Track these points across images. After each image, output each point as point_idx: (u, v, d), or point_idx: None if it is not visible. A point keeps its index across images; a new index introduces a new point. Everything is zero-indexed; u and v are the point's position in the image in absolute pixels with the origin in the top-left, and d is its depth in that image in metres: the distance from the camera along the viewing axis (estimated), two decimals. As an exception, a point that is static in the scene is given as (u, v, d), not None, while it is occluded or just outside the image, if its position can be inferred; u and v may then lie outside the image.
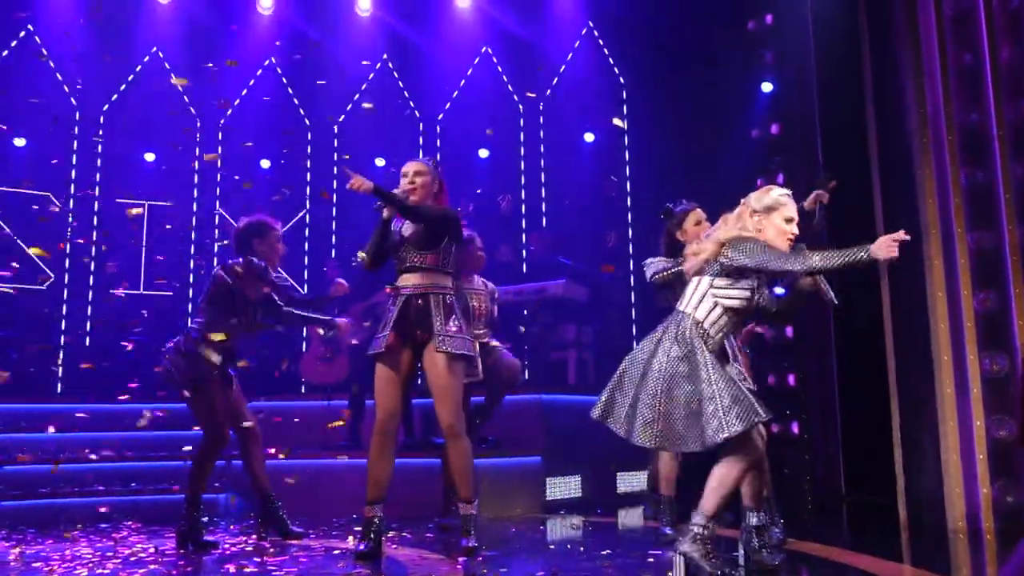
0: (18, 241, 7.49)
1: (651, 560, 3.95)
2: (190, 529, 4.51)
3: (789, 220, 3.39)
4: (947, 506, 4.89)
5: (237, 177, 7.97)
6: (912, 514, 5.08)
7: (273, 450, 5.51)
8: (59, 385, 7.73)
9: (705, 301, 3.36)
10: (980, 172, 5.10)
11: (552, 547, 4.64)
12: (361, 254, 4.26)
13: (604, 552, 4.19)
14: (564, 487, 6.38)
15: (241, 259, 4.70)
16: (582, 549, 4.46)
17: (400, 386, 4.11)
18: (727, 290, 3.35)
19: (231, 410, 4.69)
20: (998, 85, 5.10)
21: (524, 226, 8.60)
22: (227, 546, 4.59)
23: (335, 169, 8.82)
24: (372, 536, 4.03)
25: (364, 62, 8.49)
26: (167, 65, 8.35)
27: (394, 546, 4.51)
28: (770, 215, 3.39)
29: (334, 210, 8.87)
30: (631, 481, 6.83)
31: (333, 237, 8.83)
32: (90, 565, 3.98)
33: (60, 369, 7.74)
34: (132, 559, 4.16)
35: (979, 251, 5.07)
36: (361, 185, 3.90)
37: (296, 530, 4.79)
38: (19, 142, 8.00)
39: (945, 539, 4.68)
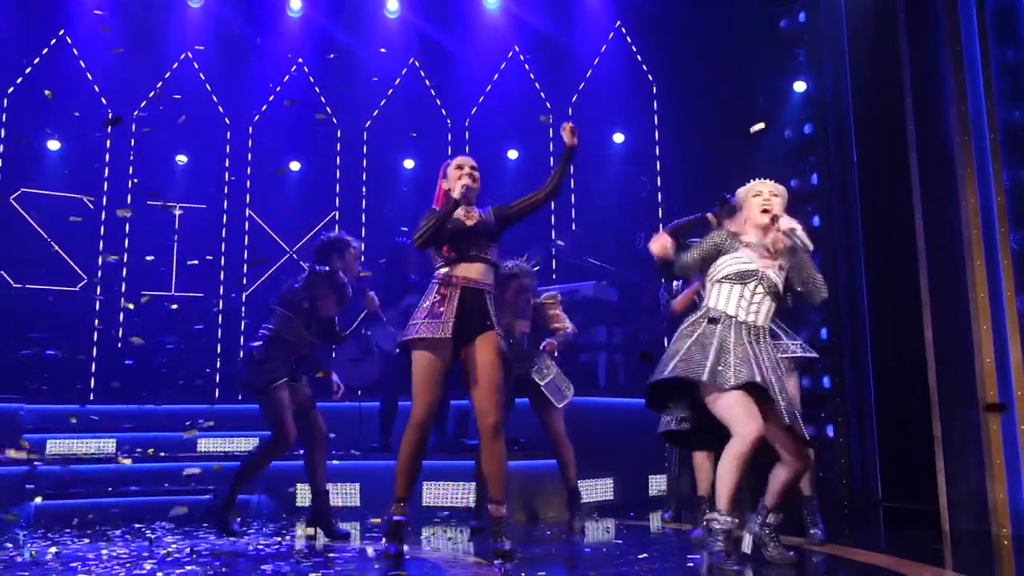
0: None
1: (690, 565, 3.90)
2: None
3: (756, 195, 3.84)
4: (990, 511, 4.79)
5: (280, 169, 8.02)
6: (954, 519, 4.97)
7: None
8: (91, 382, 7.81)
9: None
10: (1023, 171, 5.00)
11: (588, 550, 4.59)
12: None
13: (641, 556, 4.14)
14: (596, 490, 6.34)
15: (328, 268, 4.85)
16: (618, 552, 4.41)
17: (444, 379, 4.04)
18: None
19: (302, 413, 4.83)
20: (1042, 81, 5.00)
21: (554, 225, 8.57)
22: (261, 546, 4.59)
23: (364, 176, 8.85)
24: (398, 536, 4.01)
25: (391, 67, 8.50)
26: (196, 65, 8.41)
27: (428, 548, 4.49)
28: (745, 200, 3.89)
29: (363, 216, 8.88)
30: (664, 483, 6.77)
31: (362, 242, 8.83)
32: (127, 565, 3.99)
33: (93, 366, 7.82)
34: (168, 559, 4.16)
35: (1022, 251, 4.97)
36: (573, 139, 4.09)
37: (342, 531, 4.82)
38: (53, 145, 8.08)
39: (988, 544, 4.58)
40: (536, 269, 5.56)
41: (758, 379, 3.54)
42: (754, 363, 3.59)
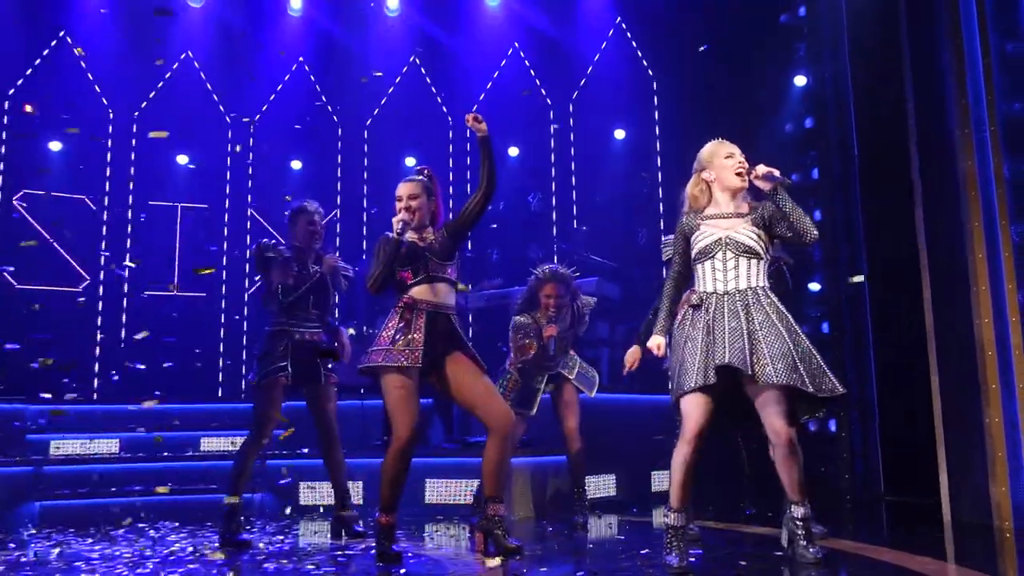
0: None
1: (692, 559, 3.90)
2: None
3: (729, 156, 3.70)
4: (992, 505, 4.79)
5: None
6: (956, 513, 4.97)
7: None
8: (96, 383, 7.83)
9: None
10: (1024, 163, 5.00)
11: (590, 546, 4.60)
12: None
13: (644, 551, 4.14)
14: (599, 486, 6.34)
15: (273, 242, 4.89)
16: (621, 549, 4.42)
17: (419, 395, 4.00)
18: None
19: (314, 412, 4.81)
20: (1042, 74, 4.99)
21: (555, 222, 8.57)
22: (264, 545, 4.60)
23: (364, 174, 8.85)
24: (389, 540, 3.99)
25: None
26: (197, 64, 8.42)
27: (431, 545, 4.50)
28: (713, 163, 3.71)
29: (364, 216, 8.89)
30: (667, 480, 6.77)
31: (364, 241, 8.84)
32: (130, 564, 4.01)
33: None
34: (171, 558, 4.18)
35: (1022, 244, 4.96)
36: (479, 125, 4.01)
37: (359, 530, 4.79)
38: (55, 146, 8.10)
39: (991, 538, 4.57)
40: (575, 273, 5.55)
41: (712, 379, 3.42)
42: (735, 347, 3.43)
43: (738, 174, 3.66)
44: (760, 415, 3.55)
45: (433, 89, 8.88)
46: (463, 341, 4.06)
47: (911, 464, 5.86)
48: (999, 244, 4.94)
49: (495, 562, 3.82)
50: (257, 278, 4.96)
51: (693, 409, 3.49)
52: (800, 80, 7.15)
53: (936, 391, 5.11)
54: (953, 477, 5.03)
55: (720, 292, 3.59)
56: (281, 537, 4.94)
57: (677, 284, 3.76)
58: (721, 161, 3.70)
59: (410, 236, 4.06)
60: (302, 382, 4.77)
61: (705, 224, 3.68)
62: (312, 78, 8.76)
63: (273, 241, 4.98)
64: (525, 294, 5.43)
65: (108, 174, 8.28)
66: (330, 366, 4.86)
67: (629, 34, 8.68)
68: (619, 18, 8.64)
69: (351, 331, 7.45)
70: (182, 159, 8.47)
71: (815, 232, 3.60)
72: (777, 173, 3.62)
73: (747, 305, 3.54)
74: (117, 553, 4.34)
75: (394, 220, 4.02)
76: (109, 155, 8.30)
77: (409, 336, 3.94)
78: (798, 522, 3.58)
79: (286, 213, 4.98)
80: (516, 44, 8.78)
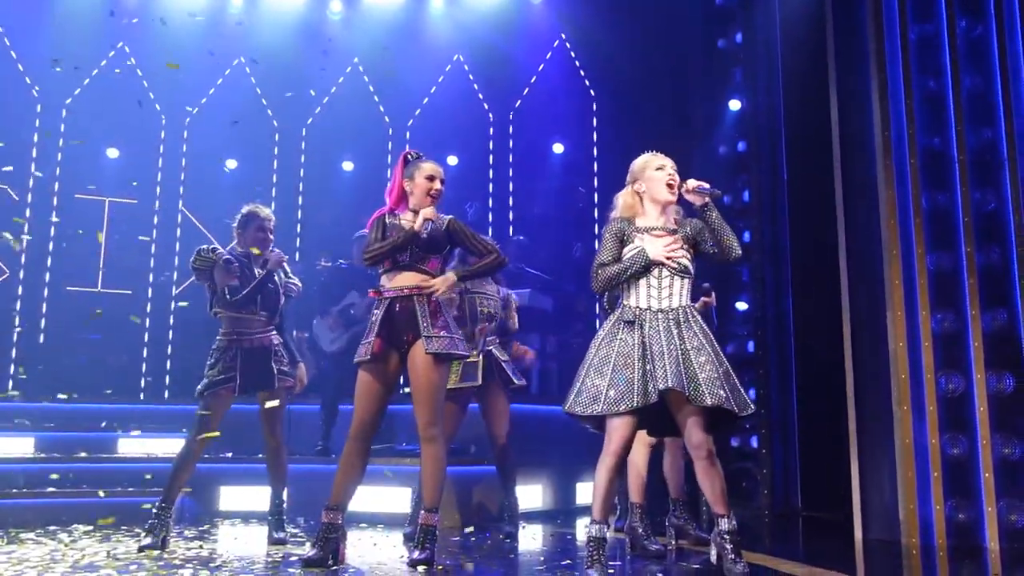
0: None
1: (611, 571, 3.95)
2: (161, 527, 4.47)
3: (660, 168, 3.74)
4: (901, 522, 4.97)
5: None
6: (867, 529, 5.15)
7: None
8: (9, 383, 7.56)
9: None
10: (941, 195, 5.22)
11: (511, 556, 4.62)
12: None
13: (565, 562, 4.19)
14: (525, 497, 6.37)
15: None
16: (542, 559, 4.45)
17: (382, 395, 3.98)
18: None
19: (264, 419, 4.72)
20: (960, 111, 5.23)
21: (490, 234, 8.60)
22: (183, 550, 4.51)
23: (301, 172, 8.77)
24: (325, 542, 3.92)
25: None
26: (132, 61, 8.24)
27: (359, 555, 4.46)
28: (644, 174, 3.76)
29: (299, 212, 8.79)
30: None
31: (297, 240, 8.75)
32: (39, 568, 3.88)
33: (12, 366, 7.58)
34: (83, 562, 4.06)
35: (938, 272, 5.18)
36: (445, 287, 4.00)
37: (279, 535, 4.78)
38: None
39: (899, 555, 4.75)
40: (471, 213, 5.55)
41: (653, 398, 3.46)
42: (673, 370, 3.45)
43: (668, 186, 3.69)
44: (682, 428, 3.60)
45: (376, 99, 8.84)
46: (420, 331, 3.94)
47: (827, 481, 6.05)
48: (915, 272, 5.16)
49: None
50: (206, 285, 4.80)
51: (622, 426, 3.52)
52: (735, 104, 7.35)
53: (852, 410, 5.29)
54: (865, 494, 5.21)
55: (654, 309, 3.61)
56: (200, 543, 4.84)
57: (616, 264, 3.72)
58: (652, 173, 3.73)
59: (406, 220, 4.04)
60: (254, 387, 4.70)
61: (639, 237, 3.68)
62: (253, 80, 8.64)
63: (212, 246, 4.89)
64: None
65: (33, 168, 8.02)
66: (285, 369, 4.79)
67: (572, 52, 8.79)
68: (563, 34, 8.75)
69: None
70: (112, 153, 8.26)
71: (739, 250, 3.68)
72: (707, 186, 3.68)
73: (678, 323, 3.58)
74: (25, 557, 4.19)
75: (425, 204, 4.04)
76: (34, 150, 8.05)
77: (368, 326, 4.02)
78: (725, 535, 3.55)
79: (236, 218, 4.89)
80: (459, 56, 8.81)
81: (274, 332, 4.84)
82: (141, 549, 4.35)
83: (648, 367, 3.50)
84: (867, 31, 5.46)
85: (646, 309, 3.62)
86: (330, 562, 3.93)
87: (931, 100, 5.32)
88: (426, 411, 3.93)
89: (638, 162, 3.81)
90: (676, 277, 3.63)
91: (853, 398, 5.28)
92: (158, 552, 4.36)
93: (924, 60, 5.37)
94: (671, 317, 3.59)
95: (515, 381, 5.20)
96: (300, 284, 5.09)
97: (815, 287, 6.35)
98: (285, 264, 4.95)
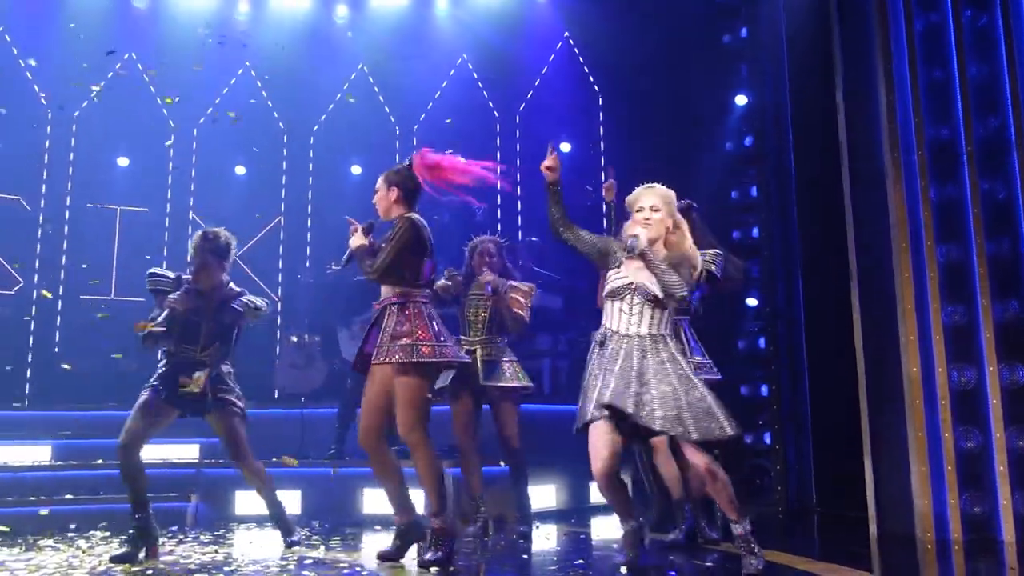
0: None
1: (624, 571, 3.95)
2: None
3: (640, 209, 3.86)
4: (916, 517, 4.95)
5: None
6: (881, 525, 5.13)
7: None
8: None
9: None
10: (950, 186, 5.19)
11: (524, 557, 4.62)
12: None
13: (578, 562, 4.19)
14: (539, 497, 6.37)
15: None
16: (555, 559, 4.46)
17: (375, 401, 4.10)
18: None
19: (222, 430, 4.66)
20: (967, 100, 5.19)
21: (499, 232, 8.60)
22: (198, 554, 4.54)
23: (310, 180, 8.80)
24: (399, 541, 4.16)
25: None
26: (140, 67, 8.29)
27: (368, 555, 4.47)
28: (632, 209, 3.91)
29: (309, 220, 8.83)
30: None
31: (307, 248, 8.77)
32: (56, 574, 3.92)
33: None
34: (100, 568, 4.10)
35: (948, 264, 5.14)
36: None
37: (293, 539, 4.79)
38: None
39: (914, 549, 4.73)
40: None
41: (597, 416, 3.65)
42: (619, 387, 3.61)
43: (644, 223, 3.79)
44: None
45: (381, 98, 8.86)
46: (382, 338, 4.05)
47: (841, 477, 6.02)
48: (925, 264, 5.13)
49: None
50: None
51: (595, 438, 3.71)
52: (741, 99, 7.32)
53: (864, 405, 5.27)
54: (879, 489, 5.19)
55: (623, 333, 3.76)
56: (215, 547, 4.87)
57: (573, 229, 3.91)
58: (633, 211, 3.88)
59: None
60: (194, 410, 4.61)
61: (625, 264, 3.82)
62: (259, 83, 8.68)
63: (160, 269, 4.85)
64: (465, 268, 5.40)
65: (44, 176, 8.10)
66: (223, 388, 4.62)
67: (576, 49, 8.79)
68: (566, 32, 8.74)
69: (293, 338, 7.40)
70: (122, 161, 8.32)
71: (681, 292, 3.72)
72: (630, 242, 3.76)
73: (644, 350, 3.72)
74: (43, 563, 4.24)
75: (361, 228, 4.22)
76: (46, 156, 8.12)
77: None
78: (739, 540, 3.73)
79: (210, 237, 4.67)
80: (464, 56, 8.82)
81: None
82: (114, 560, 4.26)
83: (601, 385, 3.69)
84: (872, 22, 5.43)
85: (615, 332, 3.78)
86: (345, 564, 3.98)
87: (937, 90, 5.28)
88: (399, 420, 4.03)
89: (631, 196, 3.95)
90: (647, 305, 3.76)
91: (865, 393, 5.26)
92: (174, 557, 4.40)
93: (930, 50, 5.34)
94: (637, 343, 3.72)
95: (520, 383, 5.19)
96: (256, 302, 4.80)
97: (825, 281, 6.32)
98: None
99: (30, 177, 7.99)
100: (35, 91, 8.03)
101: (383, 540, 5.13)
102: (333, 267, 7.18)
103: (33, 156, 8.01)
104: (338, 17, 8.76)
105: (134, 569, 4.09)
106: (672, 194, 3.91)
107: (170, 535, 5.24)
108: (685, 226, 3.89)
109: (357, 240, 4.19)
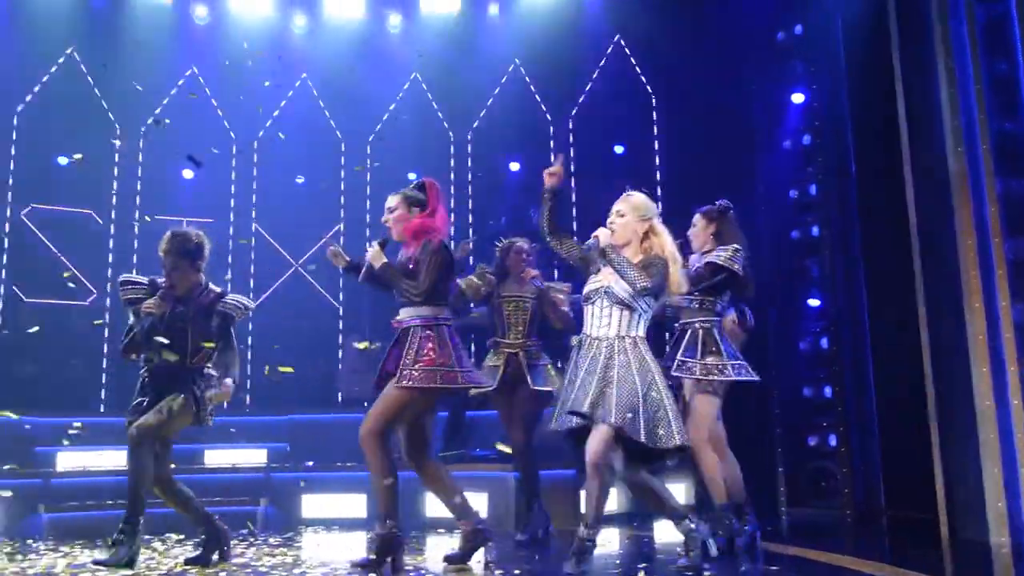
0: None
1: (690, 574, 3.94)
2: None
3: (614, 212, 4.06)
4: (988, 520, 4.83)
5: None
6: (953, 528, 5.01)
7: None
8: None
9: None
10: (1016, 181, 5.06)
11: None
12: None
13: (641, 565, 4.19)
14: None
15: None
16: (618, 563, 4.47)
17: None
18: None
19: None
20: (1034, 93, 5.06)
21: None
22: (267, 557, 4.65)
23: (367, 189, 8.93)
24: (464, 546, 4.22)
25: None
26: (201, 80, 8.52)
27: (431, 559, 4.54)
28: None
29: (367, 229, 8.94)
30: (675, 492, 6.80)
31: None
32: (136, 577, 4.07)
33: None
34: (176, 570, 4.23)
35: (1016, 261, 5.02)
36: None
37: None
38: (62, 160, 8.17)
39: (988, 554, 4.62)
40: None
41: (563, 425, 3.84)
42: (579, 395, 3.74)
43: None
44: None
45: (434, 105, 8.95)
46: (409, 355, 4.07)
47: (911, 479, 5.89)
48: (992, 261, 5.01)
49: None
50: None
51: (582, 443, 3.80)
52: (797, 98, 7.22)
53: (932, 406, 5.17)
54: (950, 492, 5.08)
55: (593, 335, 3.87)
56: (284, 550, 4.99)
57: (560, 236, 4.02)
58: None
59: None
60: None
61: (603, 271, 3.91)
62: (315, 92, 8.84)
63: (132, 276, 4.76)
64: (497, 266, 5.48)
65: (115, 188, 8.37)
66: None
67: (628, 52, 8.76)
68: (618, 35, 8.73)
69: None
70: (187, 174, 8.55)
71: (642, 284, 3.75)
72: (590, 242, 3.89)
73: (611, 352, 3.79)
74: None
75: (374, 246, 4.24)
76: (116, 169, 8.40)
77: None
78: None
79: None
80: (516, 61, 8.86)
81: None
82: (188, 562, 4.36)
83: (570, 390, 3.81)
84: (931, 13, 5.32)
85: (588, 335, 3.90)
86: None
87: (1002, 83, 5.16)
88: (371, 414, 4.10)
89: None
90: (615, 307, 3.83)
91: (933, 393, 5.16)
92: (244, 560, 4.52)
93: (993, 41, 5.21)
94: (605, 345, 3.81)
95: (535, 386, 5.21)
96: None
97: (888, 279, 6.21)
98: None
99: (100, 191, 8.26)
100: (103, 107, 8.29)
101: (447, 543, 5.20)
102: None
103: (103, 170, 8.28)
104: (391, 26, 8.88)
105: (208, 571, 4.22)
106: (646, 203, 4.02)
107: (240, 538, 5.38)
108: (665, 234, 3.96)
109: (378, 258, 4.17)
